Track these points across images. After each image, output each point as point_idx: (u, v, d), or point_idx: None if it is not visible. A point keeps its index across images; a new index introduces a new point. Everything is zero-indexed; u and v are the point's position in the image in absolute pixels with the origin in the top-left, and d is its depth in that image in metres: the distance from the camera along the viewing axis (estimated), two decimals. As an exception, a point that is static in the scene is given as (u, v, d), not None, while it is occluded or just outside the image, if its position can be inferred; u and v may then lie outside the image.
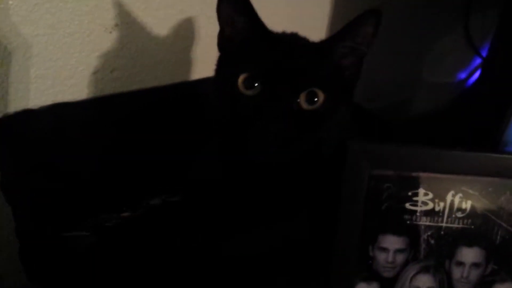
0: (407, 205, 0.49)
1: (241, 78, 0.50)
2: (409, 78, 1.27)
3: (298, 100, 0.49)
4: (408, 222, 0.49)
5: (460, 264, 0.50)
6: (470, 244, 0.50)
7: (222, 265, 0.53)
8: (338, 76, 0.53)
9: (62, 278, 0.51)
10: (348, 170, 0.48)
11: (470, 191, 0.49)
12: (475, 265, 0.50)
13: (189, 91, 0.74)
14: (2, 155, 0.58)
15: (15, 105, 0.62)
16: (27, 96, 0.63)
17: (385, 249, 0.50)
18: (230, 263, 0.53)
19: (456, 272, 0.50)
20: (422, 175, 0.48)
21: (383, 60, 1.03)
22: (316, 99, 0.50)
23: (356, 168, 0.48)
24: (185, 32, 0.76)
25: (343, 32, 0.51)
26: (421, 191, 0.49)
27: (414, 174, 0.48)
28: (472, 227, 0.49)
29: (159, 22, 0.72)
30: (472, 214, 0.49)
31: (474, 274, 0.50)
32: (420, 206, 0.49)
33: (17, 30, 0.60)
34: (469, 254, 0.50)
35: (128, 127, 0.67)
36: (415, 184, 0.48)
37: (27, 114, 0.60)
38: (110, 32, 0.67)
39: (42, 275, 0.52)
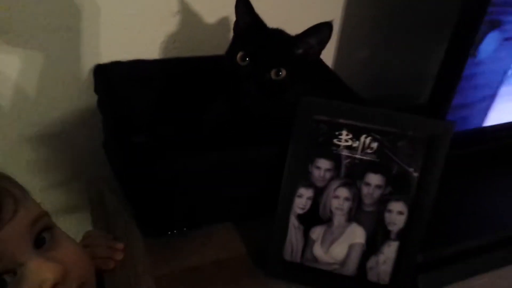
0: (335, 141, 0.74)
1: (239, 55, 0.78)
2: (420, 74, 1.41)
3: (271, 72, 0.77)
4: (334, 152, 0.74)
5: (368, 184, 0.73)
6: (375, 172, 0.73)
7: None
8: (301, 58, 0.80)
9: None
10: (298, 114, 0.75)
11: (377, 136, 0.72)
12: (378, 186, 0.73)
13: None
14: (99, 90, 0.93)
15: (109, 57, 0.96)
16: (117, 51, 0.96)
17: (318, 168, 0.75)
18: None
19: (364, 190, 0.73)
20: (346, 121, 0.73)
21: (397, 55, 1.23)
22: (281, 73, 0.78)
23: (303, 113, 0.74)
24: (224, 20, 1.05)
25: (306, 33, 0.77)
26: (344, 132, 0.73)
27: (340, 120, 0.73)
28: (378, 160, 0.73)
29: (207, 12, 1.02)
30: (378, 151, 0.72)
31: (377, 193, 0.73)
32: (343, 142, 0.74)
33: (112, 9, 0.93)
34: (374, 178, 0.73)
35: (180, 81, 0.99)
36: (340, 127, 0.73)
37: (117, 64, 0.94)
38: (174, 16, 0.99)
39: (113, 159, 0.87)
